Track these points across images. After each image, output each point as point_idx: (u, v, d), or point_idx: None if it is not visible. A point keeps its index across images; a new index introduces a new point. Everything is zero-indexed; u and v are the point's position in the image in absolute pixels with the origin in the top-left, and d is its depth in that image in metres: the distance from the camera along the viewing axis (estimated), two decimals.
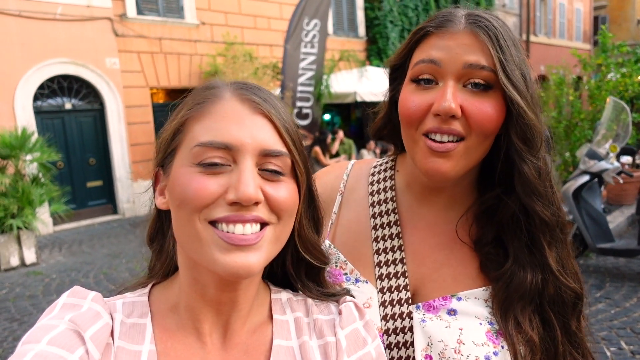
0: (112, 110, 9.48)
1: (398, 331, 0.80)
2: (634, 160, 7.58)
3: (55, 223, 8.54)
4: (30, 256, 6.56)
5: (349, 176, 0.99)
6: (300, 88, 9.23)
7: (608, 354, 3.47)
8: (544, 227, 0.79)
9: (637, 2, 25.54)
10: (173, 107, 0.67)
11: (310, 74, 9.38)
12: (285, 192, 0.61)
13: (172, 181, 0.60)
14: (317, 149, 8.51)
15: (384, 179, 0.95)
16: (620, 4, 25.75)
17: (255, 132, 0.59)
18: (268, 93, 0.65)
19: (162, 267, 0.71)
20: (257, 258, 0.58)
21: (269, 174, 0.60)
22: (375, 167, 0.98)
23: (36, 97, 8.66)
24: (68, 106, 9.21)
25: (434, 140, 0.75)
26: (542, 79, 8.45)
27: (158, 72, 10.09)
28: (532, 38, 19.66)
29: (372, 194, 0.94)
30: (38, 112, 8.72)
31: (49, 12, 8.52)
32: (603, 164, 4.85)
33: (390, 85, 0.90)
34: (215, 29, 10.77)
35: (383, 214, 0.90)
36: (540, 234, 0.79)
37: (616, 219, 6.42)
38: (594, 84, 6.73)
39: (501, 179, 0.81)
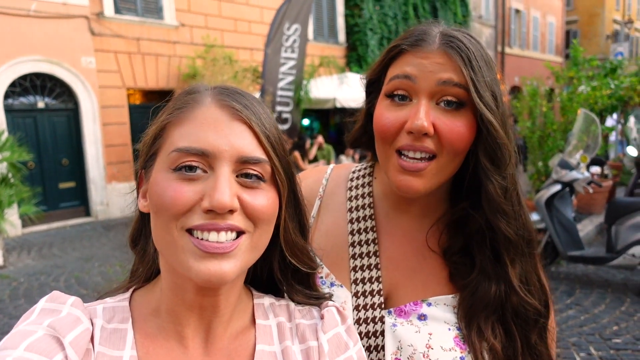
0: (87, 110, 9.27)
1: (370, 335, 0.82)
2: (602, 170, 7.83)
3: (24, 225, 8.27)
4: None
5: (328, 180, 1.00)
6: (280, 92, 9.22)
7: (578, 359, 3.56)
8: (508, 243, 0.81)
9: (606, 19, 26.54)
10: (155, 110, 0.67)
11: (290, 78, 9.38)
12: (263, 199, 0.60)
13: (151, 186, 0.60)
14: (296, 153, 8.52)
15: (362, 185, 0.97)
16: (591, 20, 26.70)
17: (233, 139, 0.59)
18: (251, 99, 0.64)
19: (145, 270, 0.71)
20: (231, 266, 0.58)
21: (247, 181, 0.59)
22: (354, 172, 1.00)
23: (7, 95, 8.39)
24: (41, 105, 8.95)
25: (406, 156, 0.78)
26: (517, 89, 8.68)
27: (135, 73, 9.93)
28: (507, 50, 20.18)
29: (350, 199, 0.95)
30: (9, 110, 8.45)
31: (23, 9, 8.28)
32: (574, 174, 5.00)
33: (366, 97, 0.92)
34: (195, 30, 10.68)
35: (360, 219, 0.92)
36: (503, 250, 0.81)
37: (585, 228, 6.62)
38: (566, 96, 6.93)
39: (469, 193, 0.83)
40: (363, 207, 0.93)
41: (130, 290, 0.69)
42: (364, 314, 0.83)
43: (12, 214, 7.19)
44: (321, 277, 0.88)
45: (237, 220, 0.58)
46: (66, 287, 5.49)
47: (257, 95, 7.28)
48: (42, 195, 8.52)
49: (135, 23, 9.79)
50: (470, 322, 0.80)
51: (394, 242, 0.90)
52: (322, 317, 0.71)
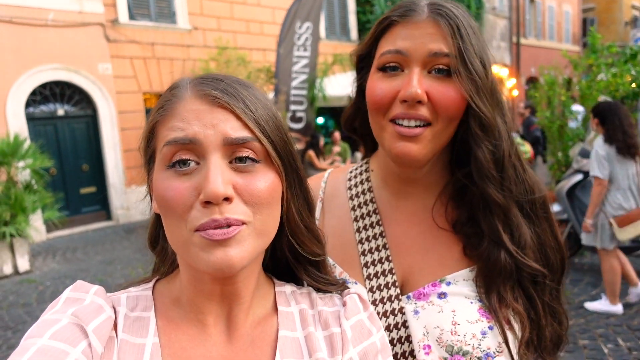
0: (105, 116, 9.44)
1: (392, 328, 0.81)
2: None
3: (48, 230, 8.48)
4: (23, 264, 6.50)
5: (326, 184, 1.02)
6: (293, 92, 9.23)
7: (605, 350, 3.49)
8: (497, 208, 0.81)
9: (624, 5, 25.86)
10: (149, 112, 0.69)
11: (303, 77, 9.39)
12: (260, 182, 0.60)
13: (154, 187, 0.61)
14: (311, 152, 8.51)
15: (361, 182, 0.97)
16: (608, 7, 26.04)
17: (216, 124, 0.59)
18: (232, 82, 0.63)
19: (166, 268, 0.72)
20: (239, 252, 0.57)
21: (240, 165, 0.59)
22: (351, 172, 1.01)
23: (28, 104, 8.60)
24: (60, 112, 9.15)
25: (401, 125, 0.78)
26: (534, 80, 8.53)
27: (151, 77, 10.07)
28: (523, 40, 19.82)
29: (351, 198, 0.96)
30: (30, 118, 8.66)
31: (41, 18, 8.47)
32: None
33: (357, 74, 0.93)
34: (207, 33, 10.77)
35: (365, 216, 0.92)
36: (495, 216, 0.81)
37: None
38: (585, 84, 6.78)
39: (463, 162, 0.84)
40: (365, 203, 0.94)
41: (153, 280, 0.70)
42: (382, 307, 0.83)
43: (37, 220, 7.38)
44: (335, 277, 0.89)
45: (235, 210, 0.57)
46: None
47: (271, 95, 7.31)
48: (65, 201, 8.71)
49: (149, 28, 9.92)
50: (489, 291, 0.80)
51: (400, 228, 0.90)
52: (344, 304, 0.71)
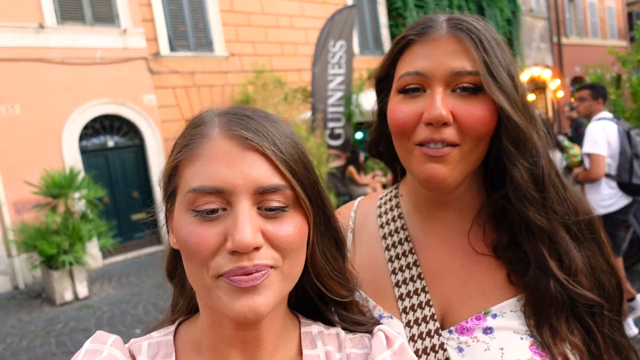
0: (152, 145, 9.85)
1: None
2: None
3: (104, 256, 8.84)
4: (82, 290, 6.80)
5: (356, 213, 0.98)
6: (330, 109, 9.31)
7: None
8: (541, 233, 0.74)
9: None
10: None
11: (339, 94, 9.46)
12: (288, 228, 0.57)
13: (175, 228, 0.59)
14: (352, 168, 8.50)
15: (391, 209, 0.92)
16: None
17: (247, 170, 0.55)
18: (262, 120, 0.60)
19: (186, 303, 0.70)
20: (265, 299, 0.55)
21: (269, 213, 0.57)
22: (381, 198, 0.97)
23: (81, 137, 9.11)
24: (111, 144, 9.63)
25: (428, 146, 0.74)
26: (579, 80, 8.18)
27: (192, 105, 10.44)
28: (564, 40, 19.15)
29: (382, 226, 0.91)
30: (83, 151, 9.16)
31: (89, 57, 9.02)
32: None
33: (377, 97, 0.88)
34: (244, 59, 11.09)
35: (396, 244, 0.87)
36: (539, 241, 0.75)
37: None
38: (636, 80, 6.45)
39: (500, 183, 0.78)
40: (396, 230, 0.88)
41: (176, 323, 0.69)
42: (422, 343, 0.76)
43: (93, 247, 7.72)
44: (368, 311, 0.83)
45: (264, 256, 0.55)
46: (144, 314, 5.78)
47: (308, 114, 7.36)
48: (117, 228, 9.09)
49: (189, 58, 10.34)
50: (540, 323, 0.72)
51: (435, 256, 0.84)
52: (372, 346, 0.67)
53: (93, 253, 7.53)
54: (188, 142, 0.60)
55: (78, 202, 7.21)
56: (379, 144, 0.92)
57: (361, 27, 13.05)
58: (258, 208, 0.56)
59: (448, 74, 0.72)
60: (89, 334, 5.27)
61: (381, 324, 0.72)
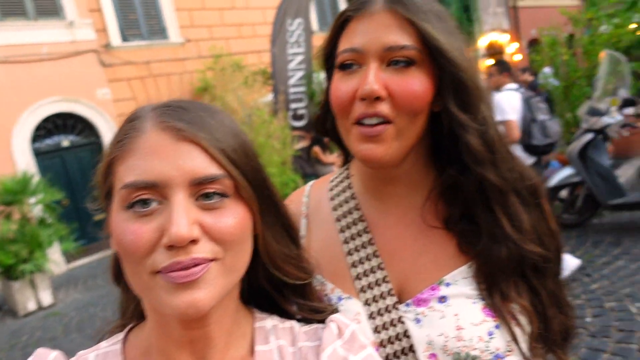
0: (109, 141, 9.53)
1: (393, 339, 0.77)
2: (636, 110, 7.37)
3: (67, 261, 8.59)
4: (46, 298, 6.61)
5: (309, 198, 0.98)
6: (292, 90, 9.17)
7: (633, 310, 3.37)
8: (496, 193, 0.77)
9: None
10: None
11: (300, 74, 9.32)
12: (228, 219, 0.56)
13: (112, 227, 0.57)
14: (317, 148, 8.43)
15: (343, 190, 0.93)
16: None
17: (182, 162, 0.54)
18: (198, 110, 0.59)
19: (134, 306, 0.68)
20: (205, 294, 0.53)
21: (207, 203, 0.55)
22: (332, 181, 0.97)
23: (33, 139, 8.73)
24: (66, 143, 9.27)
25: (363, 125, 0.75)
26: (535, 42, 8.24)
27: (150, 96, 10.09)
28: (520, 3, 19.33)
29: (335, 208, 0.91)
30: (37, 153, 8.80)
31: (35, 54, 8.57)
32: (605, 120, 4.70)
33: (326, 75, 0.88)
34: (201, 44, 10.78)
35: (350, 225, 0.88)
36: (494, 202, 0.77)
37: (626, 172, 6.20)
38: (587, 40, 6.52)
39: (453, 156, 0.79)
40: (350, 211, 0.89)
41: (126, 330, 0.66)
42: (381, 320, 0.78)
43: (55, 253, 7.49)
44: (326, 294, 0.84)
45: (203, 249, 0.53)
46: (114, 316, 5.64)
47: (270, 96, 7.25)
48: (80, 230, 8.82)
49: (142, 47, 9.97)
50: (491, 289, 0.76)
51: (389, 233, 0.85)
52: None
53: (55, 258, 7.31)
54: (122, 137, 0.59)
55: (34, 208, 6.94)
56: (326, 121, 0.91)
57: (319, 3, 12.82)
58: (196, 200, 0.55)
59: (381, 49, 0.73)
60: (56, 343, 5.13)
61: (338, 311, 0.73)
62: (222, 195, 0.56)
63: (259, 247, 0.64)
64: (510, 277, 0.76)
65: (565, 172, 4.92)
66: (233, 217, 0.56)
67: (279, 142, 7.25)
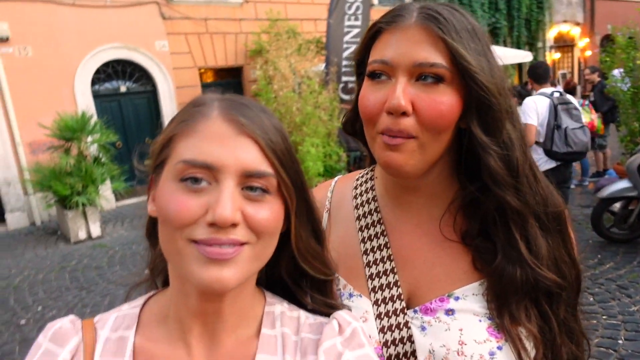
0: (164, 92, 9.85)
1: (397, 342, 0.79)
2: None
3: (117, 199, 9.10)
4: (95, 230, 7.09)
5: (333, 193, 1.00)
6: (345, 62, 9.09)
7: None
8: (515, 215, 0.77)
9: None
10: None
11: (355, 47, 9.22)
12: (266, 212, 0.61)
13: (159, 194, 0.62)
14: None
15: (366, 191, 0.95)
16: None
17: (238, 153, 0.59)
18: (258, 111, 0.64)
19: (164, 266, 0.72)
20: (232, 273, 0.58)
21: (251, 194, 0.60)
22: (357, 179, 0.99)
23: (93, 82, 9.15)
24: (123, 89, 9.67)
25: (388, 135, 0.76)
26: (608, 39, 7.74)
27: (205, 53, 10.32)
28: None
29: (357, 207, 0.94)
30: (96, 95, 9.22)
31: (101, 0, 8.88)
32: None
33: (357, 79, 0.89)
34: (258, 6, 10.79)
35: (369, 226, 0.90)
36: (512, 225, 0.77)
37: None
38: None
39: (474, 175, 0.79)
40: (370, 212, 0.91)
41: (147, 296, 0.73)
42: (388, 321, 0.81)
43: (106, 190, 7.95)
44: (339, 289, 0.87)
45: (240, 233, 0.58)
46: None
47: (322, 66, 7.16)
48: (130, 172, 9.29)
49: (201, 4, 10.10)
50: (500, 311, 0.76)
51: (406, 239, 0.87)
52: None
53: (106, 195, 7.76)
54: (186, 118, 0.63)
55: (91, 146, 7.36)
56: (355, 122, 0.92)
57: None
58: (242, 189, 0.60)
59: (411, 65, 0.73)
60: (101, 271, 5.55)
61: (349, 309, 0.76)
62: (265, 190, 0.61)
63: (292, 242, 0.68)
64: (521, 299, 0.76)
65: (621, 185, 4.69)
66: (270, 212, 0.61)
67: (326, 114, 7.27)
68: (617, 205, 4.91)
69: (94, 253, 6.34)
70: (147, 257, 0.78)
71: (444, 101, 0.73)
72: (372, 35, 0.80)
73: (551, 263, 0.79)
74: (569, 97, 4.46)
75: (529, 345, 0.75)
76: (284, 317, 0.71)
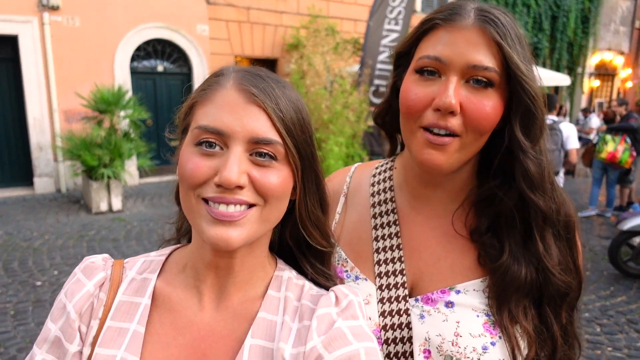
0: (199, 75, 9.99)
1: (395, 327, 0.82)
2: None
3: (141, 176, 9.31)
4: (117, 203, 7.26)
5: (351, 178, 1.03)
6: (379, 66, 9.06)
7: None
8: (543, 221, 0.80)
9: None
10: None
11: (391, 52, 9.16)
12: (273, 177, 0.65)
13: (180, 156, 0.68)
14: None
15: (384, 180, 0.97)
16: None
17: (247, 121, 0.63)
18: (272, 82, 0.68)
19: (188, 226, 0.80)
20: (238, 234, 0.63)
21: (259, 159, 0.64)
22: (377, 168, 1.01)
23: (133, 59, 9.36)
24: (160, 68, 9.86)
25: (431, 132, 0.77)
26: None
27: (243, 41, 10.42)
28: None
29: (372, 194, 0.96)
30: (134, 72, 9.43)
31: None
32: None
33: (394, 71, 0.90)
34: (301, 1, 10.84)
35: (383, 214, 0.93)
36: (536, 229, 0.80)
37: None
38: None
39: (498, 171, 0.82)
40: (385, 201, 0.94)
41: (173, 247, 0.80)
42: (389, 306, 0.84)
43: (131, 165, 8.14)
44: (346, 271, 0.90)
45: (246, 195, 0.63)
46: (170, 235, 6.13)
47: (356, 67, 7.17)
48: (157, 151, 9.48)
49: None
50: (500, 307, 0.79)
51: (416, 230, 0.90)
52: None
53: (131, 171, 7.92)
54: (206, 87, 0.69)
55: (122, 121, 7.53)
56: (387, 115, 0.95)
57: None
58: (250, 155, 0.64)
59: (465, 66, 0.74)
60: (117, 244, 5.70)
61: (343, 282, 0.80)
62: (272, 157, 0.65)
63: (296, 209, 0.73)
64: (522, 298, 0.79)
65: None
66: (277, 177, 0.65)
67: (354, 115, 7.27)
68: (637, 240, 4.85)
69: (112, 225, 6.51)
70: (175, 217, 0.85)
71: (491, 105, 0.75)
72: (426, 29, 0.80)
73: (561, 268, 0.81)
74: (563, 125, 5.27)
75: (522, 343, 0.78)
76: (290, 283, 0.75)
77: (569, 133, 5.28)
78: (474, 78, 0.75)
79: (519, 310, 0.78)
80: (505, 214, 0.81)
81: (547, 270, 0.79)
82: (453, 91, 0.74)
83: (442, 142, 0.76)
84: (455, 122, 0.75)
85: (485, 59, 0.74)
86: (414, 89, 0.78)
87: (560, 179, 5.51)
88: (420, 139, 0.78)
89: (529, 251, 0.80)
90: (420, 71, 0.78)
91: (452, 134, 0.76)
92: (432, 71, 0.77)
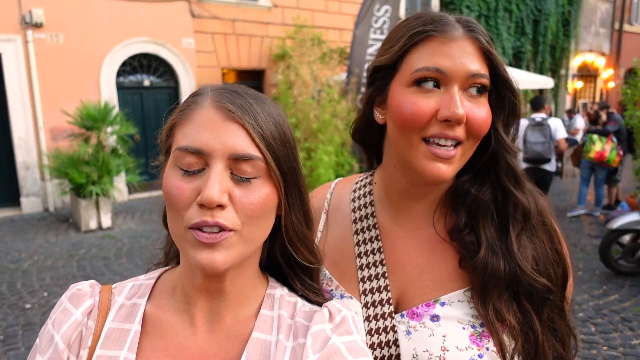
0: (186, 89, 9.96)
1: (383, 345, 0.81)
2: None
3: (130, 192, 9.21)
4: (106, 221, 7.17)
5: (332, 195, 1.02)
6: (366, 74, 9.12)
7: None
8: (522, 216, 0.82)
9: None
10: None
11: None
12: (254, 196, 0.64)
13: (163, 181, 0.67)
14: None
15: (364, 195, 0.97)
16: None
17: (225, 138, 0.63)
18: (250, 98, 0.67)
19: (176, 250, 0.78)
20: (223, 257, 0.63)
21: (240, 176, 0.64)
22: (356, 183, 1.01)
23: (119, 74, 9.30)
24: (146, 83, 9.81)
25: (436, 144, 0.77)
26: (631, 73, 7.67)
27: (230, 53, 10.43)
28: (627, 27, 17.93)
29: (354, 210, 0.96)
30: (120, 87, 9.37)
31: None
32: None
33: (369, 86, 0.88)
34: (286, 11, 10.90)
35: (365, 229, 0.92)
36: (511, 224, 0.82)
37: None
38: None
39: (467, 168, 0.84)
40: (367, 216, 0.93)
41: (162, 270, 0.79)
42: (375, 324, 0.83)
43: (120, 182, 8.05)
44: (331, 290, 0.90)
45: (226, 217, 0.62)
46: (161, 251, 6.06)
47: (343, 76, 7.23)
48: (145, 166, 9.40)
49: (231, 5, 10.23)
50: (485, 303, 0.78)
51: (398, 244, 0.89)
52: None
53: (120, 187, 7.84)
54: (184, 107, 0.69)
55: (110, 137, 7.46)
56: (364, 130, 0.93)
57: None
58: (232, 173, 0.64)
59: (466, 75, 0.76)
60: (108, 262, 5.61)
61: (332, 298, 0.79)
62: (252, 175, 0.64)
63: (282, 225, 0.72)
64: (503, 292, 0.79)
65: (632, 217, 4.72)
66: (259, 196, 0.64)
67: (342, 123, 7.29)
68: (626, 238, 4.93)
69: (102, 243, 6.42)
70: (163, 241, 0.84)
71: (486, 110, 0.79)
72: (417, 40, 0.79)
73: (536, 264, 0.81)
74: (551, 120, 6.18)
75: (506, 338, 0.77)
76: (282, 301, 0.75)
77: (557, 126, 6.17)
78: (471, 86, 0.77)
79: (502, 305, 0.78)
80: (482, 208, 0.83)
81: (520, 269, 0.79)
82: (460, 102, 0.75)
83: (449, 155, 0.77)
84: (460, 131, 0.77)
85: (480, 67, 0.77)
86: (415, 101, 0.77)
87: (552, 166, 6.22)
88: (424, 152, 0.77)
89: (505, 245, 0.81)
90: (418, 82, 0.77)
91: (455, 145, 0.78)
92: (432, 83, 0.77)
